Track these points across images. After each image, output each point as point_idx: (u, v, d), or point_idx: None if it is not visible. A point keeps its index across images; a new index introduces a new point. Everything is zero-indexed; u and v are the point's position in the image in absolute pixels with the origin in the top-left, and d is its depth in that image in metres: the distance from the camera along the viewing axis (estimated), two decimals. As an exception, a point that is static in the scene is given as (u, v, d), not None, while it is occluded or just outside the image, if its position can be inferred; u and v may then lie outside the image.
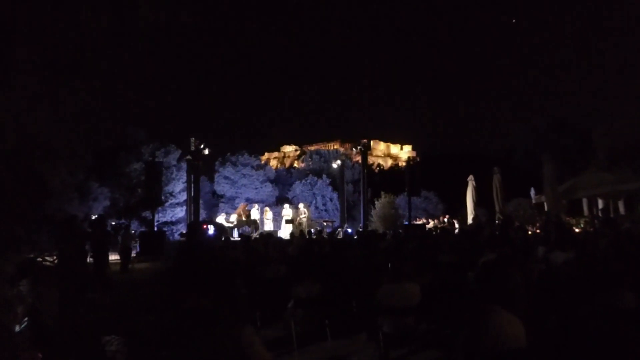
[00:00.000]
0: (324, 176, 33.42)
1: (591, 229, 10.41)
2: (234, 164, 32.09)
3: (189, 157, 16.80)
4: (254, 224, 17.69)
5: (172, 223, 24.98)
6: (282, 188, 34.43)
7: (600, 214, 14.00)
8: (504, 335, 2.27)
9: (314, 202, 31.14)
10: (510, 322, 2.33)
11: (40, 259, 4.25)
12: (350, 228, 18.17)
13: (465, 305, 4.27)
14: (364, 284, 5.00)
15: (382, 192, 23.77)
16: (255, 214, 18.41)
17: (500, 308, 2.34)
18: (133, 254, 13.57)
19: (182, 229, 21.99)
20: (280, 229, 18.84)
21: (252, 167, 33.23)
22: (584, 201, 17.52)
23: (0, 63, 2.90)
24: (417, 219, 22.55)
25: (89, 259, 7.28)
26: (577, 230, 11.26)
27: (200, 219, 17.86)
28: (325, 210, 31.57)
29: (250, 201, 21.18)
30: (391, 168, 66.18)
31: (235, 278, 5.31)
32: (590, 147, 23.15)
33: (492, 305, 2.36)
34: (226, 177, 31.57)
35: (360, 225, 18.69)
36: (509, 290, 2.44)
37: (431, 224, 18.75)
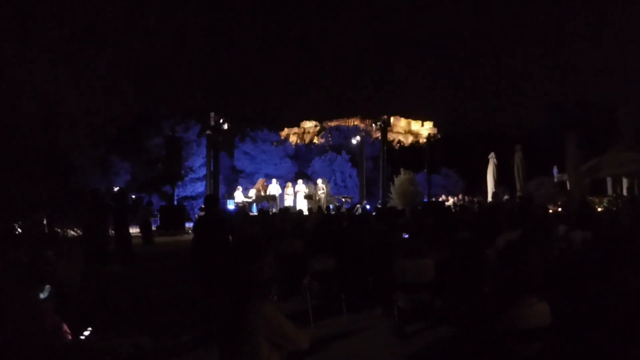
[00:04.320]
0: (344, 152, 33.38)
1: (614, 208, 10.19)
2: (254, 140, 32.27)
3: (208, 132, 16.89)
4: (273, 200, 17.82)
5: (192, 198, 25.46)
6: (301, 164, 34.63)
7: (625, 193, 13.68)
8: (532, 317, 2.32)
9: (333, 178, 31.27)
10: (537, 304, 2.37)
11: (65, 231, 4.39)
12: (369, 204, 18.19)
13: (483, 283, 4.30)
14: (380, 259, 5.02)
15: (402, 169, 23.54)
16: (274, 189, 18.48)
17: (528, 294, 2.36)
18: (153, 227, 13.89)
19: (201, 203, 22.37)
20: (298, 204, 18.99)
21: (272, 142, 33.45)
22: (609, 180, 17.18)
23: (23, 34, 2.93)
24: (437, 197, 22.43)
25: (111, 232, 7.45)
26: (599, 209, 11.03)
27: (220, 194, 18.05)
28: (345, 186, 31.69)
29: (269, 177, 21.26)
30: (411, 145, 65.53)
31: (257, 253, 5.47)
32: (615, 125, 22.50)
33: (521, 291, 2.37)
34: (246, 153, 31.86)
35: (379, 201, 18.72)
36: (531, 270, 2.42)
37: (451, 202, 18.61)
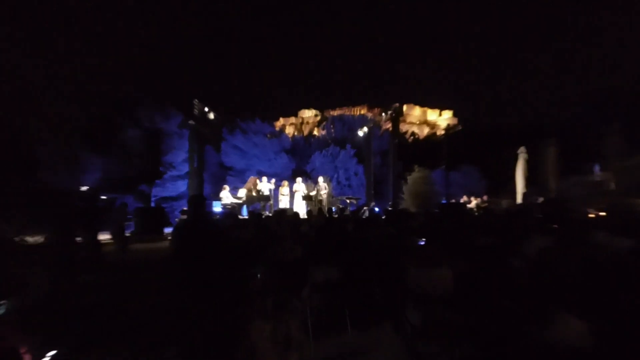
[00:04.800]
0: (348, 146, 33.30)
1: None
2: (244, 132, 32.32)
3: (192, 122, 16.98)
4: (267, 201, 17.90)
5: (173, 199, 25.43)
6: (299, 159, 34.64)
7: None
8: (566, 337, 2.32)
9: (335, 176, 31.30)
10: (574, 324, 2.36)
11: (22, 239, 4.41)
12: (377, 206, 18.27)
13: (508, 296, 4.30)
14: (390, 268, 5.06)
15: (416, 166, 23.64)
16: (268, 188, 18.55)
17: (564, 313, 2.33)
18: (127, 233, 13.92)
19: (183, 205, 22.38)
20: (295, 206, 19.05)
21: (265, 135, 33.48)
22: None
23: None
24: (456, 198, 22.47)
25: (79, 238, 7.47)
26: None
27: (205, 193, 18.11)
28: (349, 185, 31.69)
29: (263, 174, 21.28)
30: (427, 137, 65.60)
31: (249, 262, 5.43)
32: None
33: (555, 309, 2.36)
34: (235, 147, 31.87)
35: (389, 203, 18.80)
36: (567, 283, 2.39)
37: (473, 204, 18.68)
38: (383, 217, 10.54)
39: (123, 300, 6.53)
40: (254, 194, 17.95)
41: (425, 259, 4.31)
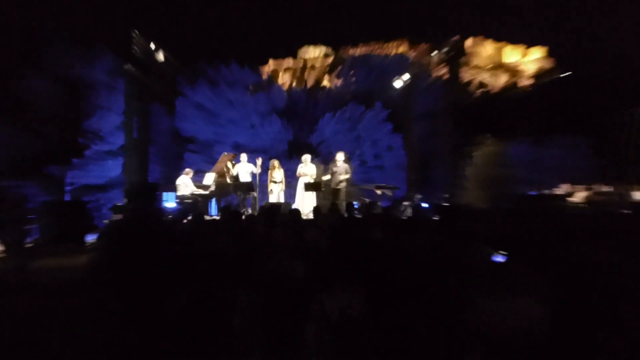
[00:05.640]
0: (378, 105, 32.74)
1: None
2: (214, 83, 31.85)
3: (129, 66, 16.94)
4: (247, 190, 17.86)
5: (99, 188, 25.11)
6: (299, 126, 34.04)
7: None
8: None
9: (358, 152, 30.73)
10: None
11: None
12: (424, 201, 18.24)
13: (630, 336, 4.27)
14: (442, 296, 5.08)
15: (486, 136, 23.55)
16: (247, 170, 18.50)
17: None
18: (29, 242, 13.93)
19: (116, 198, 22.28)
20: (294, 199, 19.29)
21: (247, 87, 33.01)
22: None
23: None
24: (551, 187, 22.37)
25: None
26: None
27: (151, 180, 18.21)
28: (380, 167, 31.08)
29: (242, 150, 21.02)
30: (505, 90, 65.14)
31: (223, 288, 5.44)
32: None
33: None
34: (199, 106, 31.03)
35: (443, 195, 18.74)
36: None
37: (579, 196, 18.60)
38: (434, 218, 10.55)
39: (11, 348, 6.47)
40: (228, 180, 17.95)
41: (501, 283, 4.39)
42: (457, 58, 19.43)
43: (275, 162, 19.51)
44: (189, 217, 10.17)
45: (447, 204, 14.57)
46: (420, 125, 27.28)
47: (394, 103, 29.97)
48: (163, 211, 15.31)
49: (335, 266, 5.58)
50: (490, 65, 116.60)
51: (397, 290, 5.50)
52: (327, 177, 18.70)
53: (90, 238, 15.54)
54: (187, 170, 18.48)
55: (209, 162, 24.63)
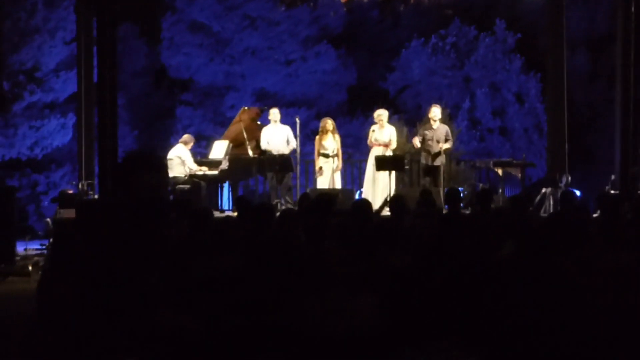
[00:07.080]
0: (500, 25, 25.06)
1: None
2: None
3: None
4: (282, 169, 14.28)
5: (36, 164, 20.18)
6: (367, 60, 27.35)
7: None
8: None
9: (466, 106, 24.56)
10: None
11: None
12: (576, 186, 14.93)
13: None
14: (604, 337, 4.00)
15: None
16: (279, 138, 14.61)
17: None
18: None
19: (64, 183, 18.97)
20: (359, 184, 16.33)
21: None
22: None
23: None
24: None
25: None
26: None
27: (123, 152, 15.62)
28: (502, 131, 25.03)
29: (271, 103, 17.65)
30: None
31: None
32: None
33: None
34: (199, 27, 24.54)
35: (611, 178, 15.59)
36: None
37: None
38: (595, 215, 8.85)
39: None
40: (250, 152, 14.59)
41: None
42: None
43: (328, 123, 14.82)
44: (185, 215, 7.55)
45: (609, 192, 12.24)
46: (576, 61, 21.42)
47: (529, 24, 23.73)
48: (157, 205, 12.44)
49: (430, 306, 4.07)
50: None
51: (530, 323, 3.86)
52: (415, 146, 14.49)
53: (29, 247, 13.26)
54: (185, 137, 14.62)
55: (218, 123, 20.64)
